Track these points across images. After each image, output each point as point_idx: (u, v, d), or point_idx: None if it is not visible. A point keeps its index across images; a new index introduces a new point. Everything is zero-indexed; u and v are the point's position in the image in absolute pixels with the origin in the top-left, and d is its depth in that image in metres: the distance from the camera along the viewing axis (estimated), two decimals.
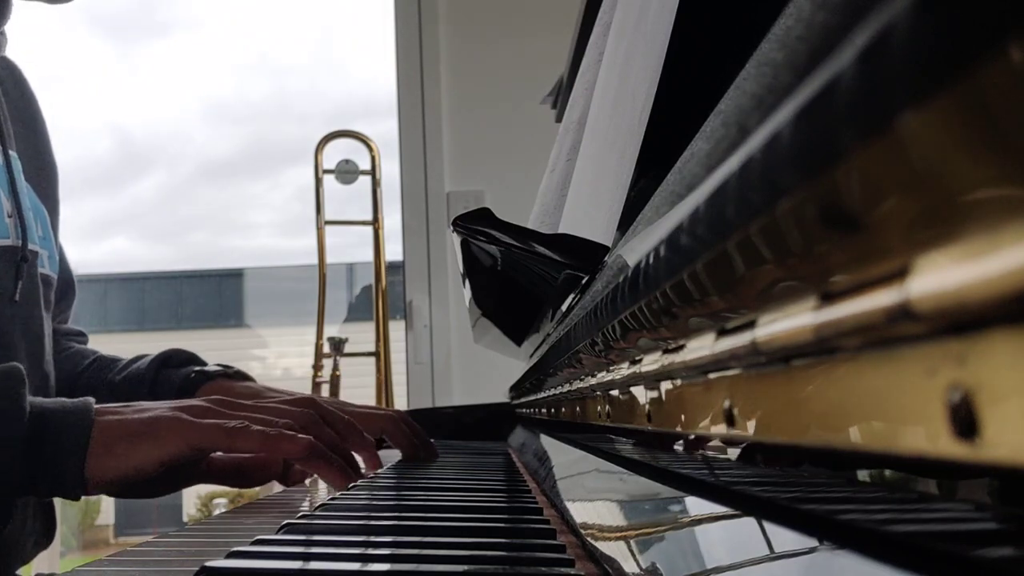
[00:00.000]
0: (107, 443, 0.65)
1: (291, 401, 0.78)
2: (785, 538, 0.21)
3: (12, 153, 0.86)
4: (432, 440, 0.94)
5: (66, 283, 1.01)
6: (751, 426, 0.21)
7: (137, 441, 0.66)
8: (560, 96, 1.19)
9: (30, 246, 0.85)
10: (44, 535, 0.88)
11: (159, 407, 0.70)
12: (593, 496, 0.46)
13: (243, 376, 0.96)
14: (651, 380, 0.31)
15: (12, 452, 0.62)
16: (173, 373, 0.94)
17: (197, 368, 0.94)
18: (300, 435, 0.70)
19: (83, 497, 0.75)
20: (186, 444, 0.67)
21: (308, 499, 0.73)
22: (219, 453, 0.76)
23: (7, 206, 0.83)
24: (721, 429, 0.23)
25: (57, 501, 0.95)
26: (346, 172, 2.22)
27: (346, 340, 2.22)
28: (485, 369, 1.83)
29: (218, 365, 0.96)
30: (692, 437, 0.28)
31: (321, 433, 0.73)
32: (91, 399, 0.68)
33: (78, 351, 1.02)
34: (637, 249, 0.30)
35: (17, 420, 0.63)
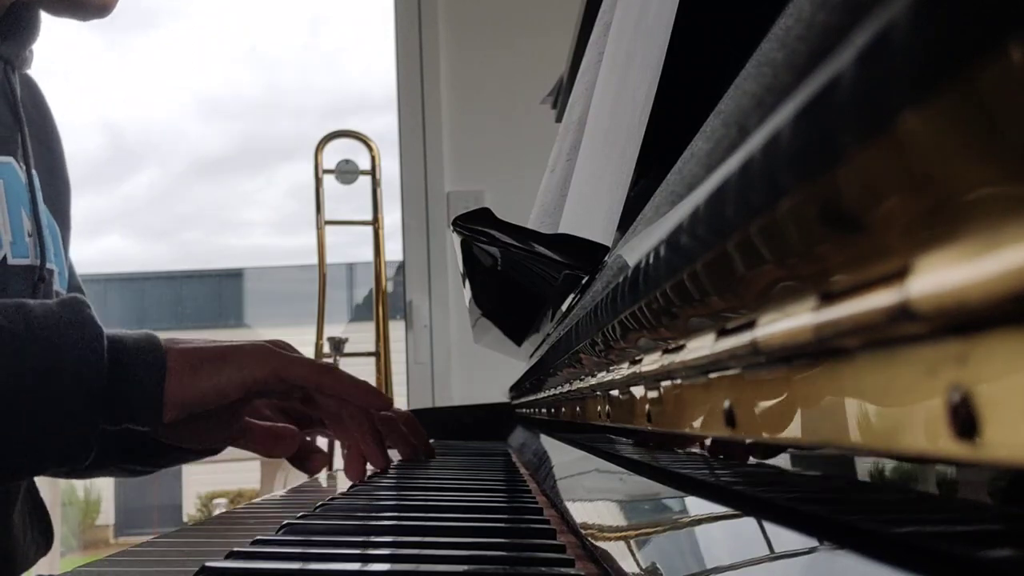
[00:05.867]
0: (191, 364, 0.65)
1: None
2: (785, 538, 0.21)
3: (34, 172, 0.85)
4: (432, 440, 0.94)
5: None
6: (751, 426, 0.21)
7: (221, 363, 0.66)
8: (560, 96, 1.19)
9: (47, 265, 0.85)
10: (43, 543, 0.88)
11: (238, 340, 0.70)
12: (593, 496, 0.46)
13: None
14: (651, 380, 0.31)
15: (97, 376, 0.61)
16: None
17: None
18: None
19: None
20: (271, 370, 0.68)
21: (308, 499, 0.73)
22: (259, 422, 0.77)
23: (28, 225, 0.83)
24: (721, 429, 0.23)
25: (53, 504, 0.94)
26: (346, 172, 2.22)
27: (346, 340, 2.21)
28: (485, 369, 1.83)
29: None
30: (692, 437, 0.28)
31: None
32: (152, 332, 0.68)
33: None
34: (637, 249, 0.30)
35: (97, 340, 0.62)
